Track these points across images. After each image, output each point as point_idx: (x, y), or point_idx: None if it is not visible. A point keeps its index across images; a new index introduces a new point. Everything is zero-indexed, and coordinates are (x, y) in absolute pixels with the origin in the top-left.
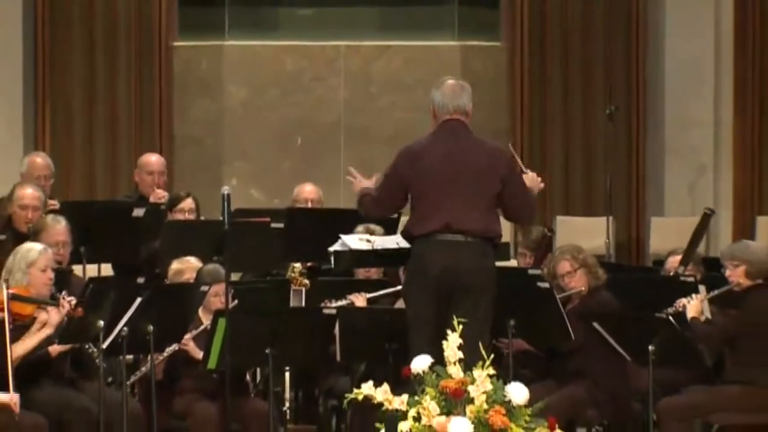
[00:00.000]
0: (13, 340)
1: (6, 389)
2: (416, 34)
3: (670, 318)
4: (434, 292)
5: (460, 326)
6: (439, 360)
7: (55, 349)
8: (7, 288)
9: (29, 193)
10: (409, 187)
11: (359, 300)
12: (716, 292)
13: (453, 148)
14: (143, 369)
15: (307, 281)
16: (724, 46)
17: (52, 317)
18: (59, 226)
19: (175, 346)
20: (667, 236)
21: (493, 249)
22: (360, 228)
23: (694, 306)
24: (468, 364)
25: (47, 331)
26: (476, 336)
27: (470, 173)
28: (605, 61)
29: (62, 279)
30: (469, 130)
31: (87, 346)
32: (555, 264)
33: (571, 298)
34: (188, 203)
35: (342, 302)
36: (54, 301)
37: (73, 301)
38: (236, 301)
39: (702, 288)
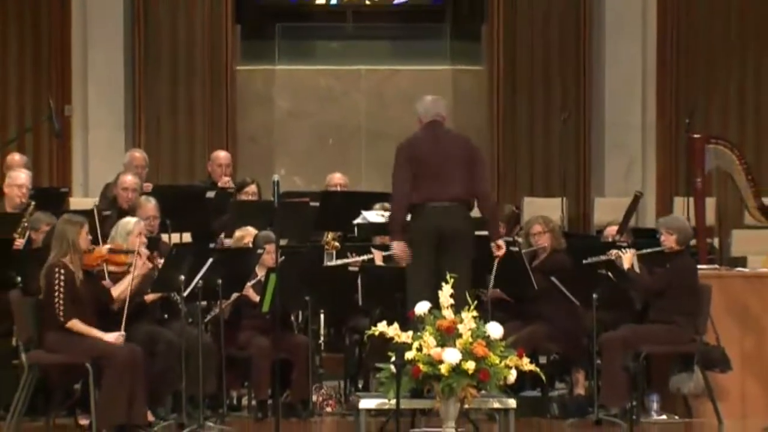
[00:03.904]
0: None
1: (118, 328)
2: (419, 60)
3: (609, 273)
4: (428, 245)
5: (452, 279)
6: (432, 294)
7: (149, 297)
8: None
9: (129, 179)
10: (410, 168)
11: (378, 255)
12: (648, 250)
13: (437, 140)
14: (214, 311)
15: (337, 244)
16: (648, 68)
17: (137, 265)
18: (150, 204)
19: (236, 294)
20: (606, 212)
21: (469, 212)
22: (377, 206)
23: (628, 258)
24: (456, 303)
25: (133, 273)
26: (462, 282)
27: (450, 157)
28: (560, 79)
29: (153, 244)
30: (445, 128)
31: (172, 295)
32: (530, 224)
33: (537, 254)
34: (252, 188)
35: (364, 256)
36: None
37: (147, 252)
38: (283, 257)
39: (632, 249)
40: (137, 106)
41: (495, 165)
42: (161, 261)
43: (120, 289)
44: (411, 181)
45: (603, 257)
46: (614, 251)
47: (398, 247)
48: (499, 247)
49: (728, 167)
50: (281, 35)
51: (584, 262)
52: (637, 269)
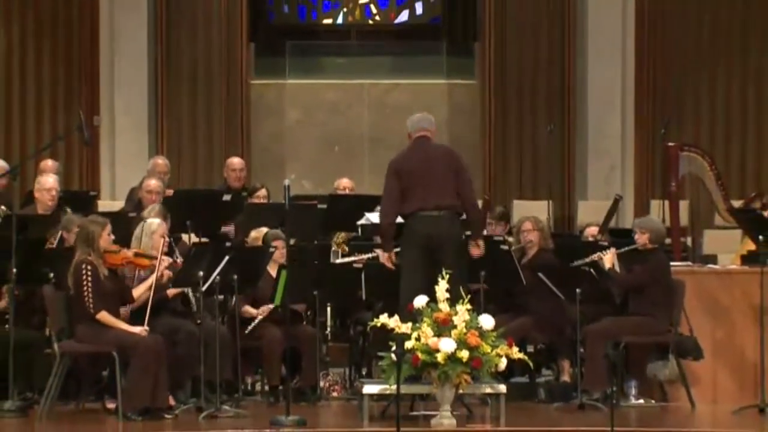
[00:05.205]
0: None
1: (142, 323)
2: (417, 75)
3: (592, 271)
4: (420, 251)
5: (447, 275)
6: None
7: (171, 291)
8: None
9: (153, 183)
10: (400, 181)
11: (382, 254)
12: (624, 249)
13: (424, 153)
14: (263, 312)
15: (346, 248)
16: (627, 82)
17: (158, 269)
18: (154, 212)
19: (266, 311)
20: (589, 214)
21: (458, 218)
22: (378, 207)
23: (609, 259)
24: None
25: (153, 277)
26: (455, 280)
27: (437, 169)
28: (547, 91)
29: (175, 243)
30: (432, 141)
31: (185, 290)
32: (521, 222)
33: (525, 251)
34: (262, 192)
35: (369, 255)
36: (163, 257)
37: (169, 260)
38: (298, 248)
39: (612, 249)
40: (160, 117)
41: (486, 170)
42: (180, 260)
43: (140, 291)
44: (400, 194)
45: (588, 259)
46: (597, 254)
47: (385, 258)
48: (477, 246)
49: (700, 173)
50: (291, 52)
51: (572, 265)
52: (617, 268)
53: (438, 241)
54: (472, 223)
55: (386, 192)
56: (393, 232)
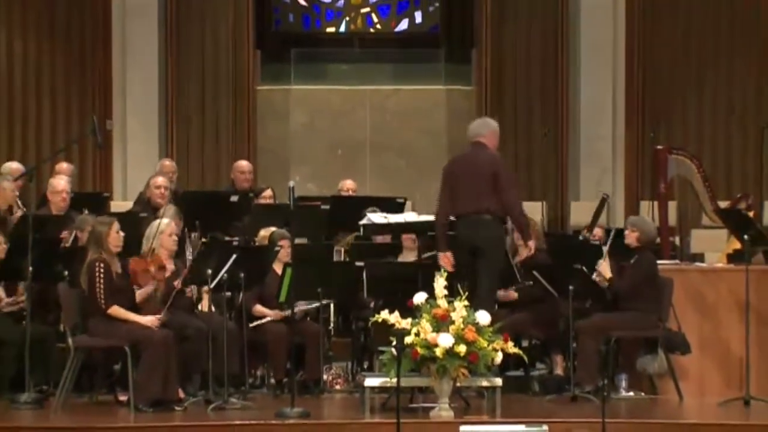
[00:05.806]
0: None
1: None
2: (417, 81)
3: (585, 270)
4: (462, 253)
5: (445, 273)
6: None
7: (177, 284)
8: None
9: (161, 179)
10: (449, 185)
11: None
12: (608, 243)
13: (473, 159)
14: (268, 318)
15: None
16: (618, 87)
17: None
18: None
19: (278, 315)
20: (581, 214)
21: (500, 222)
22: (369, 209)
23: (605, 269)
24: (485, 300)
25: (152, 286)
26: (486, 285)
27: (480, 174)
28: (541, 97)
29: (184, 242)
30: (484, 148)
31: (188, 289)
32: None
33: (518, 250)
34: (268, 193)
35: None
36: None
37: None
38: (300, 251)
39: (604, 248)
40: (170, 121)
41: None
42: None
43: (142, 296)
44: (449, 198)
45: (594, 274)
46: (594, 274)
47: (443, 258)
48: (525, 248)
49: (688, 175)
50: (296, 59)
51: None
52: (609, 271)
53: (477, 244)
54: (515, 227)
55: (439, 198)
56: (443, 232)
